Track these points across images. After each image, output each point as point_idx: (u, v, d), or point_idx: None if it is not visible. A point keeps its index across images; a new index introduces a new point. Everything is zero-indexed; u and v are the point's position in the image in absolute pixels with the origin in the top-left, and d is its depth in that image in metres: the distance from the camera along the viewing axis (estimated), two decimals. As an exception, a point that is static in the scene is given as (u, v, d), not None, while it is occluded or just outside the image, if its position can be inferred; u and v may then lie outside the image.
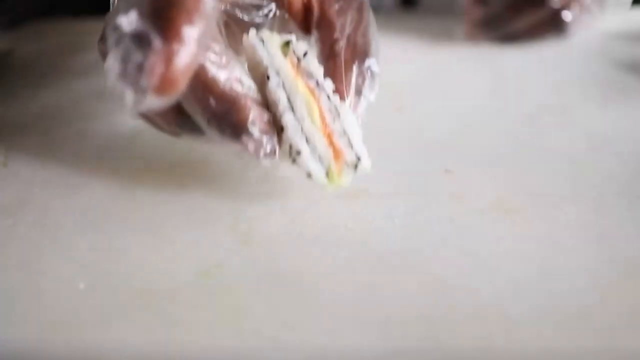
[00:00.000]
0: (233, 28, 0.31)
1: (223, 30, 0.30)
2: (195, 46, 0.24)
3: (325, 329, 0.24)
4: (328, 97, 0.30)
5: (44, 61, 0.55)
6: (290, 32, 0.33)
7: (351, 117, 0.30)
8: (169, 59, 0.24)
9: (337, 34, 0.32)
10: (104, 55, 0.28)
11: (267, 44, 0.30)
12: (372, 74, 0.32)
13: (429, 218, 0.30)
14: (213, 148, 0.32)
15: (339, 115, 0.30)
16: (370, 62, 0.32)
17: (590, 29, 0.58)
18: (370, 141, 0.38)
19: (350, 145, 0.29)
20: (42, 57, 0.56)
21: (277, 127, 0.29)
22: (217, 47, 0.27)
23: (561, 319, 0.24)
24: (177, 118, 0.29)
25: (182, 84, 0.24)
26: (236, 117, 0.27)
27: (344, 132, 0.29)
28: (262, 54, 0.30)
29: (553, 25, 0.56)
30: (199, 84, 0.27)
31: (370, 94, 0.32)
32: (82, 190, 0.33)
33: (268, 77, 0.29)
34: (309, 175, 0.28)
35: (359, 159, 0.29)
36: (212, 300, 0.25)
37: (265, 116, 0.28)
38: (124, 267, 0.27)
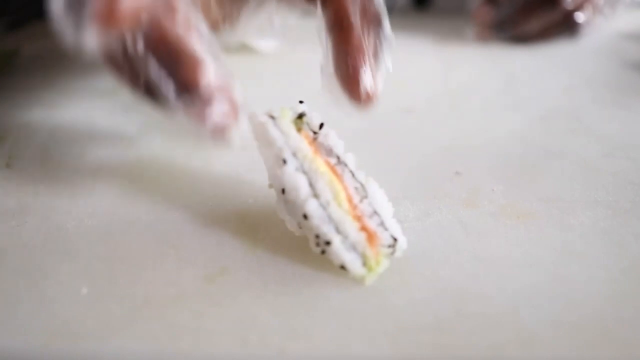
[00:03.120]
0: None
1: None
2: None
3: (334, 338, 0.23)
4: (352, 173, 0.27)
5: (48, 61, 0.54)
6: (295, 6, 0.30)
7: (379, 192, 0.27)
8: None
9: (349, 4, 0.28)
10: None
11: (279, 121, 0.27)
12: (388, 40, 0.29)
13: (439, 222, 0.30)
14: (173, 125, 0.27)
15: (366, 193, 0.27)
16: (384, 26, 0.29)
17: (602, 29, 0.57)
18: (379, 143, 0.38)
19: (383, 226, 0.26)
20: (46, 58, 0.55)
21: (299, 215, 0.26)
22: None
23: (576, 327, 0.23)
24: (132, 75, 0.25)
25: (126, 18, 0.21)
26: (183, 72, 0.24)
27: (374, 212, 0.26)
28: (274, 133, 0.26)
29: (565, 27, 0.55)
30: (148, 30, 0.23)
31: (388, 62, 0.29)
32: (85, 193, 0.33)
33: (284, 161, 0.26)
34: (342, 267, 0.26)
35: (395, 240, 0.26)
36: (217, 308, 0.25)
37: (222, 73, 0.25)
38: (127, 274, 0.27)
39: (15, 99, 0.46)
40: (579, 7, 0.54)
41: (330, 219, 0.26)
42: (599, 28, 0.57)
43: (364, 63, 0.27)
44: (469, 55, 0.55)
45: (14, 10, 0.61)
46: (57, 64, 0.53)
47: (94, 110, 0.44)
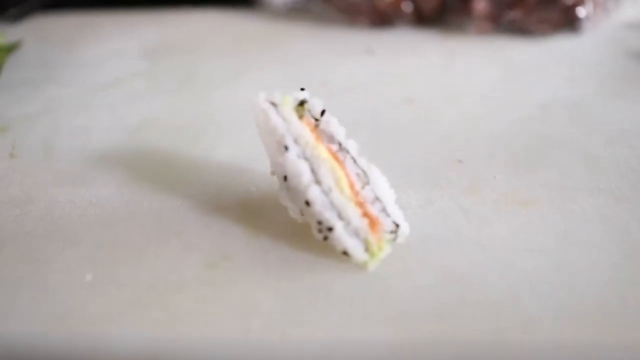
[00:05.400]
0: None
1: None
2: None
3: (336, 324, 0.23)
4: (354, 160, 0.27)
5: (51, 53, 0.54)
6: None
7: (381, 178, 0.27)
8: None
9: None
10: None
11: (280, 108, 0.27)
12: None
13: (441, 209, 0.30)
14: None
15: (368, 179, 0.27)
16: None
17: (604, 23, 0.57)
18: (381, 132, 0.38)
19: (385, 212, 0.26)
20: (49, 50, 0.55)
21: (301, 201, 0.26)
22: None
23: (578, 313, 0.23)
24: None
25: None
26: None
27: (376, 198, 0.26)
28: (276, 120, 0.26)
29: (565, 22, 0.55)
30: None
31: None
32: (88, 182, 0.33)
33: (286, 148, 0.26)
34: (344, 252, 0.26)
35: (397, 225, 0.26)
36: (220, 293, 0.25)
37: None
38: (130, 261, 0.27)
39: (18, 91, 0.46)
40: (579, 2, 0.53)
41: (333, 205, 0.26)
42: (601, 23, 0.56)
43: None
44: (470, 46, 0.55)
45: (17, 3, 0.61)
46: (59, 56, 0.54)
47: (96, 101, 0.44)
